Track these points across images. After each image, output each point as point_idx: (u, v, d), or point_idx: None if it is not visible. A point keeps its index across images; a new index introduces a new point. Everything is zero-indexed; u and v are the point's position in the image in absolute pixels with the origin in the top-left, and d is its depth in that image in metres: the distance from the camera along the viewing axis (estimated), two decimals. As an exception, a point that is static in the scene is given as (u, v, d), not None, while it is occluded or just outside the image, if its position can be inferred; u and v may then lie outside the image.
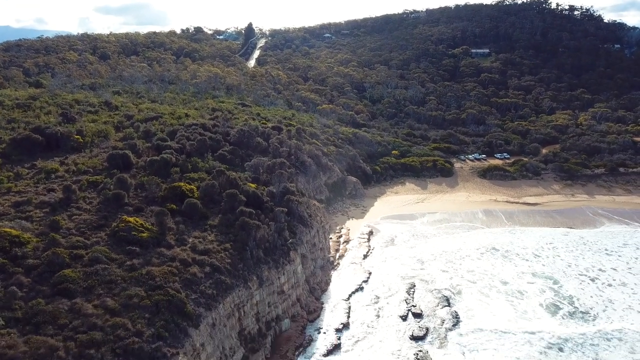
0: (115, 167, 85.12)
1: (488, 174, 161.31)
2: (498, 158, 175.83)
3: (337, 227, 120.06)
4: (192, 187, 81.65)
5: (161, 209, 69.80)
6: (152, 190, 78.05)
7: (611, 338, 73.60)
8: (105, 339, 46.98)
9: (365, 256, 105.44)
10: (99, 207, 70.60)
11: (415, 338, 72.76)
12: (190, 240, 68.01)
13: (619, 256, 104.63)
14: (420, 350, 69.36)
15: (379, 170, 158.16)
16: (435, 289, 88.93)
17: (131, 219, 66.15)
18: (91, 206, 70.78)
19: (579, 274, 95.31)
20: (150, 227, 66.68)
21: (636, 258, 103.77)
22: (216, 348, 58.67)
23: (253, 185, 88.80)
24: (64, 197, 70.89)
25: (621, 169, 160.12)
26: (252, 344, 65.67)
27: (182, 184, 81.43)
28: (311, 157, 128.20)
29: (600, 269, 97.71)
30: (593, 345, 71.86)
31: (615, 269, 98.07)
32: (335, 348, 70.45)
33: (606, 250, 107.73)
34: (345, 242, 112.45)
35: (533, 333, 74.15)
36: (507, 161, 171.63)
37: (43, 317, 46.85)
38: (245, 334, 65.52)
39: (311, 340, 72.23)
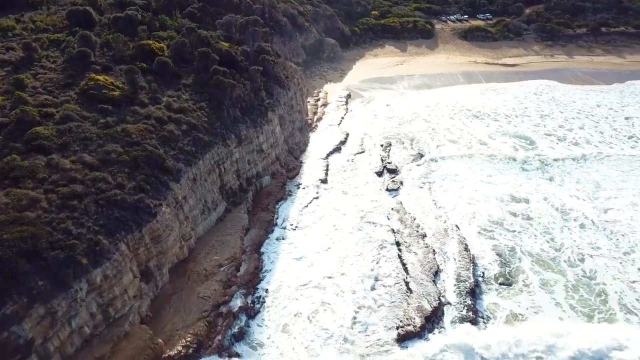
0: (76, 25, 79.30)
1: (469, 35, 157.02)
2: (480, 19, 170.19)
3: (315, 91, 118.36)
4: (162, 45, 77.46)
5: (131, 67, 66.60)
6: (119, 49, 73.76)
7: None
8: (86, 191, 47.47)
9: (342, 118, 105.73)
10: (65, 66, 66.90)
11: (390, 190, 76.07)
12: (165, 99, 66.13)
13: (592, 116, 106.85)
14: (396, 200, 72.94)
15: (358, 32, 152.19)
16: (412, 148, 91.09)
17: (100, 77, 63.34)
18: (56, 65, 67.02)
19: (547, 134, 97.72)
20: (121, 85, 64.28)
21: (606, 118, 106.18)
22: (198, 201, 60.52)
23: (226, 44, 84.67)
24: (25, 56, 66.60)
25: (603, 29, 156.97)
26: (233, 198, 67.89)
27: (151, 42, 77.03)
28: (286, 16, 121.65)
29: (569, 129, 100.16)
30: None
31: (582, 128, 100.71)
32: (314, 199, 73.49)
33: (579, 111, 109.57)
34: (323, 105, 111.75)
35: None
36: (489, 22, 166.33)
37: (20, 171, 46.48)
38: (227, 189, 67.36)
39: (290, 194, 75.03)
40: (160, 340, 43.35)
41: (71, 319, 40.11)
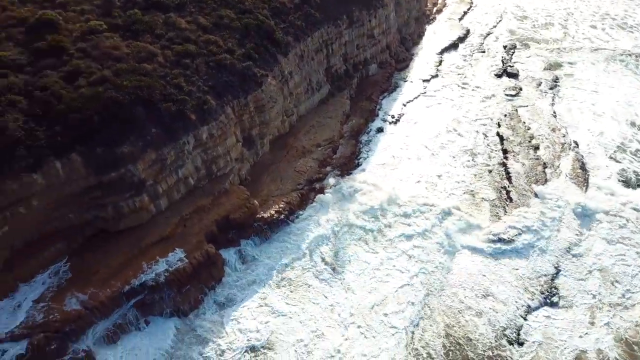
0: None
1: None
2: None
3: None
4: None
5: None
6: None
7: None
8: (199, 52, 48.47)
9: (465, 13, 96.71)
10: None
11: (507, 95, 69.82)
12: (279, -30, 63.59)
13: None
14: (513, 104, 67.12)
15: None
16: (539, 54, 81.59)
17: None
18: None
19: None
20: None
21: None
22: (303, 79, 59.87)
23: None
24: None
25: None
26: (338, 82, 66.40)
27: None
28: None
29: None
30: None
31: None
32: (421, 95, 69.91)
33: None
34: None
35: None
36: None
37: (141, 25, 48.25)
38: (332, 72, 65.80)
39: (397, 87, 71.89)
40: (255, 202, 45.59)
41: (178, 169, 43.02)
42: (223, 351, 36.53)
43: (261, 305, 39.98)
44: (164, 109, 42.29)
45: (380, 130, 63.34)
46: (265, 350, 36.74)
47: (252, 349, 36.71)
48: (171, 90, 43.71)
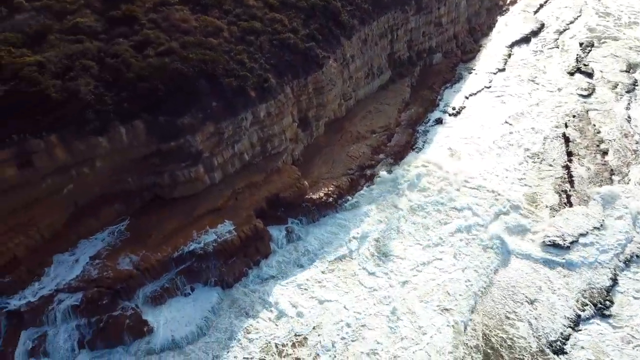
0: None
1: None
2: None
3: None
4: None
5: None
6: None
7: None
8: (264, 29, 48.86)
9: (541, 6, 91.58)
10: None
11: (579, 95, 66.02)
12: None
13: None
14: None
15: None
16: (618, 55, 76.31)
17: None
18: None
19: None
20: None
21: None
22: (364, 64, 59.15)
23: None
24: None
25: None
26: (400, 69, 65.15)
27: None
28: None
29: None
30: None
31: None
32: (485, 88, 67.42)
33: None
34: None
35: None
36: None
37: (210, 0, 49.15)
38: (395, 58, 64.58)
39: (460, 78, 69.66)
40: (305, 183, 45.91)
41: (235, 143, 43.89)
42: (261, 326, 37.30)
43: (304, 286, 40.36)
44: (225, 84, 43.08)
45: (439, 121, 61.75)
46: (304, 332, 37.02)
47: (292, 329, 37.07)
48: (234, 66, 44.40)
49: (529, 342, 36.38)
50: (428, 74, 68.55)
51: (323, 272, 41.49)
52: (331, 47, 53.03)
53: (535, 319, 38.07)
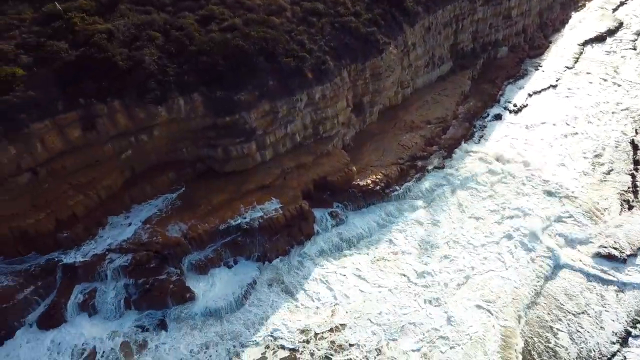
0: None
1: None
2: None
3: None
4: None
5: None
6: None
7: None
8: (326, 11, 48.60)
9: (622, 4, 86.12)
10: None
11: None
12: None
13: None
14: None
15: None
16: None
17: None
18: None
19: None
20: None
21: None
22: (426, 52, 57.79)
23: None
24: None
25: None
26: (462, 60, 63.24)
27: None
28: None
29: None
30: None
31: None
32: (550, 87, 64.37)
33: None
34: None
35: None
36: None
37: (275, -22, 49.28)
38: (458, 49, 62.71)
39: (525, 74, 66.81)
40: (354, 168, 45.63)
41: (288, 123, 44.13)
42: (299, 305, 37.68)
43: (344, 273, 40.14)
44: (284, 63, 43.22)
45: (498, 117, 59.65)
46: (342, 319, 36.67)
47: (329, 314, 36.86)
48: (293, 46, 44.45)
49: (570, 353, 34.89)
50: (491, 67, 66.19)
51: (364, 261, 41.14)
52: (393, 33, 52.04)
53: (581, 331, 36.42)
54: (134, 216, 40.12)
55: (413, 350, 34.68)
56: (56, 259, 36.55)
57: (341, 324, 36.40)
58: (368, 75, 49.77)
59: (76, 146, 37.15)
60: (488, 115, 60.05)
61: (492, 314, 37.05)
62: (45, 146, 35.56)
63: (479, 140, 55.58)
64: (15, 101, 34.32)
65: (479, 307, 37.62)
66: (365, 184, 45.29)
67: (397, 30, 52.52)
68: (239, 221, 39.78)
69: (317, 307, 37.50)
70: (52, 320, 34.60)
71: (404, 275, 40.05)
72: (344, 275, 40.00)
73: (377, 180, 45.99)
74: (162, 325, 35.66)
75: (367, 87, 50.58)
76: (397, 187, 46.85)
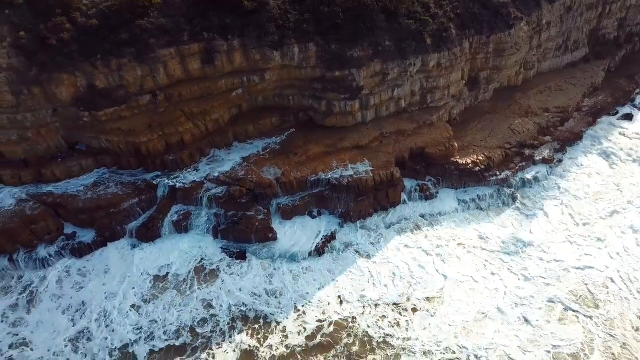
0: None
1: None
2: None
3: None
4: None
5: None
6: None
7: None
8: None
9: None
10: None
11: None
12: None
13: None
14: None
15: None
16: None
17: None
18: None
19: None
20: None
21: None
22: (560, 34, 52.88)
23: None
24: None
25: None
26: (600, 48, 57.27)
27: None
28: None
29: None
30: None
31: None
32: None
33: None
34: None
35: None
36: None
37: None
38: (598, 36, 56.71)
39: (673, 75, 58.95)
40: (455, 145, 43.82)
41: (396, 87, 43.17)
42: (368, 272, 37.48)
43: (427, 250, 39.21)
44: (404, 25, 41.87)
45: (628, 117, 53.83)
46: (418, 299, 35.82)
47: (405, 291, 36.07)
48: (417, 9, 42.75)
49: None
50: (632, 61, 59.31)
51: (450, 244, 39.79)
52: (527, 8, 48.07)
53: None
54: (235, 152, 42.27)
55: (488, 349, 33.66)
56: (160, 179, 39.86)
57: (416, 304, 35.22)
58: (491, 50, 46.81)
59: (193, 77, 39.47)
60: (617, 113, 54.34)
61: (582, 315, 34.72)
62: (167, 72, 38.24)
63: (594, 134, 50.65)
64: (149, 26, 36.91)
65: (567, 305, 35.35)
66: (464, 162, 43.48)
67: (533, 5, 48.43)
68: (330, 176, 40.36)
69: (391, 278, 37.16)
70: (149, 232, 38.04)
71: (490, 266, 38.14)
72: (426, 252, 39.12)
73: (478, 161, 43.93)
74: (242, 257, 37.82)
75: (488, 62, 47.69)
76: (498, 173, 44.37)
